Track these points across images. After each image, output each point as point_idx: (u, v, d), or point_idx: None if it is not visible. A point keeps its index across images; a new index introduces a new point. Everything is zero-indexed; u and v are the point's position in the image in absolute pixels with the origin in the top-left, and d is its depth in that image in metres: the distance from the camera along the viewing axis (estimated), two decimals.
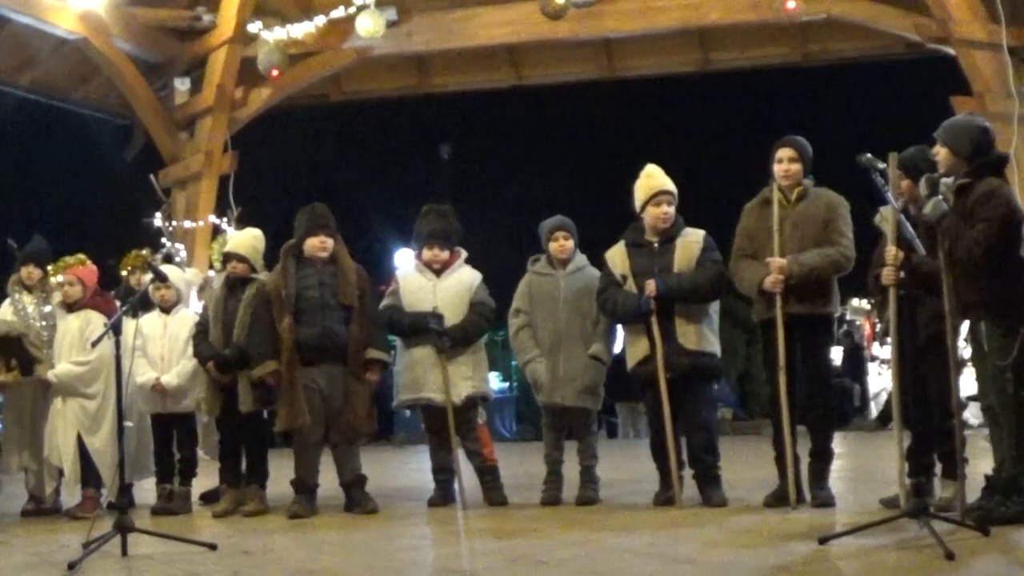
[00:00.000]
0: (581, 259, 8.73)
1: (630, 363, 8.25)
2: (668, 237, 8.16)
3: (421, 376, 8.59)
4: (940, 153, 6.70)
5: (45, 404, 8.88)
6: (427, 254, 8.77)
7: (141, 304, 8.60)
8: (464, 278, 8.77)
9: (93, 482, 8.75)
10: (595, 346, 8.48)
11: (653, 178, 8.21)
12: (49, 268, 9.11)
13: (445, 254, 8.78)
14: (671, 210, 8.15)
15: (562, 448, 8.69)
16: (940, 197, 6.47)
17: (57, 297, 9.01)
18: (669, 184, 8.19)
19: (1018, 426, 6.50)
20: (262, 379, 8.34)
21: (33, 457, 8.93)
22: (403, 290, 8.78)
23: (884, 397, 18.16)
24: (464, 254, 8.90)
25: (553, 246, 8.67)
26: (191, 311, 9.50)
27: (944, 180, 6.55)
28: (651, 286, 7.93)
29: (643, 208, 8.18)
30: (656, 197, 8.12)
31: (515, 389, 21.92)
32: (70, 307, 8.90)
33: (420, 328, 8.57)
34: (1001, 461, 6.58)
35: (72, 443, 8.68)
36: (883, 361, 18.24)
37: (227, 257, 8.86)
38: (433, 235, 8.78)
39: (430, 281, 8.72)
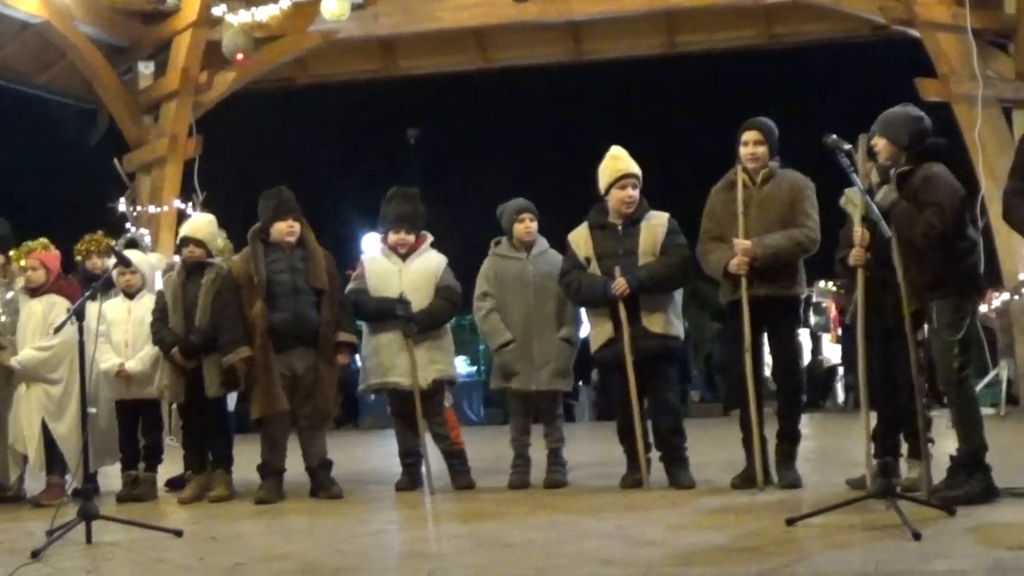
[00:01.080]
0: (543, 242, 8.72)
1: (594, 346, 8.25)
2: (633, 220, 8.15)
3: (387, 360, 8.56)
4: (879, 144, 6.85)
5: (8, 390, 8.80)
6: (393, 238, 8.74)
7: (104, 288, 8.52)
8: (430, 262, 8.74)
9: (58, 469, 8.68)
10: (565, 328, 8.48)
11: (618, 160, 8.20)
12: (12, 253, 9.01)
13: (411, 238, 8.75)
14: (635, 193, 8.13)
15: (530, 432, 8.69)
16: (891, 185, 6.60)
17: (20, 282, 8.93)
18: (634, 167, 8.18)
19: (961, 402, 6.60)
20: (232, 366, 8.30)
21: None
22: (369, 273, 8.75)
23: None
24: (430, 238, 8.86)
25: (519, 228, 8.64)
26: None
27: (892, 171, 6.66)
28: (622, 284, 7.91)
29: (607, 191, 8.17)
30: (621, 180, 8.11)
31: (482, 373, 21.91)
32: (33, 292, 8.82)
33: (386, 314, 8.54)
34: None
35: (36, 429, 8.61)
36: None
37: (183, 242, 8.77)
38: (399, 218, 8.74)
39: (396, 265, 8.68)
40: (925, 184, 6.60)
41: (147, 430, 8.96)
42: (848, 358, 19.44)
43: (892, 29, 15.87)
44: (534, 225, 8.68)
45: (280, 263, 8.39)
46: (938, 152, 6.89)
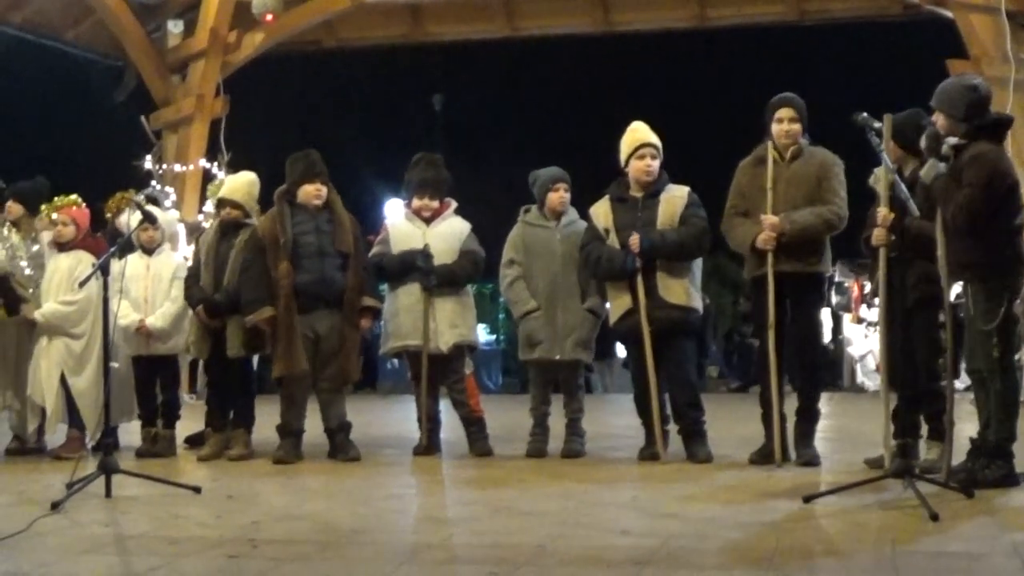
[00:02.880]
0: (573, 212, 8.69)
1: (612, 318, 8.25)
2: (652, 192, 8.13)
3: (408, 323, 8.57)
4: (938, 120, 6.65)
5: (30, 344, 8.83)
6: (417, 203, 8.74)
7: (129, 246, 8.54)
8: (454, 227, 8.74)
9: (77, 423, 8.72)
10: (591, 299, 8.45)
11: (637, 131, 8.21)
12: (43, 207, 9.04)
13: (435, 203, 8.75)
14: (655, 164, 8.11)
15: (550, 402, 8.70)
16: (938, 158, 6.48)
17: (46, 237, 8.96)
18: (653, 138, 8.16)
19: (1003, 390, 6.52)
20: (256, 325, 8.32)
21: (16, 396, 8.89)
22: (393, 238, 8.75)
23: (870, 360, 18.18)
24: (454, 204, 8.86)
25: (553, 197, 8.61)
26: (179, 254, 9.44)
27: (948, 140, 6.53)
28: (634, 240, 7.90)
29: (627, 162, 8.16)
30: (640, 150, 8.11)
31: (502, 342, 21.94)
32: (61, 247, 8.85)
33: (409, 266, 8.55)
34: (985, 424, 6.59)
35: (55, 382, 8.63)
36: (870, 323, 18.24)
37: (221, 203, 8.80)
38: (424, 183, 8.74)
39: (419, 229, 8.68)
40: (971, 163, 6.43)
41: (164, 387, 9.01)
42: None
43: (924, 9, 15.76)
44: (568, 195, 8.65)
45: (306, 224, 8.39)
46: (997, 128, 6.73)
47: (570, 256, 8.48)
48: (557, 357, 8.50)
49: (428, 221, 8.72)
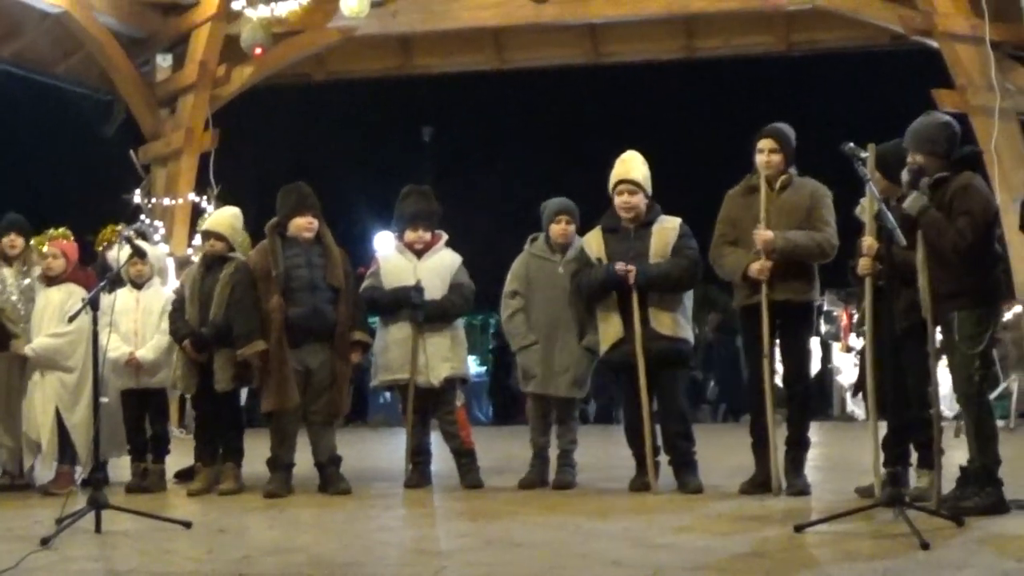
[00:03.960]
0: (579, 244, 8.61)
1: (602, 348, 8.23)
2: (644, 223, 8.15)
3: (399, 357, 8.58)
4: (921, 161, 6.69)
5: (20, 380, 8.82)
6: (410, 235, 8.74)
7: (119, 280, 8.54)
8: (445, 260, 8.76)
9: (68, 458, 8.70)
10: (589, 336, 8.40)
11: (621, 165, 8.21)
12: (33, 240, 9.05)
13: (428, 235, 8.76)
14: (633, 200, 8.10)
15: (549, 433, 8.69)
16: (919, 192, 6.55)
17: (38, 270, 8.95)
18: (634, 173, 8.14)
19: (979, 416, 6.59)
20: (247, 359, 8.31)
21: (7, 432, 8.86)
22: (384, 271, 8.76)
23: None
24: (445, 236, 8.88)
25: (555, 229, 8.61)
26: (168, 288, 9.44)
27: (924, 180, 6.60)
28: (630, 267, 7.90)
29: (612, 194, 8.20)
30: (619, 186, 8.14)
31: (489, 374, 21.90)
32: (51, 280, 8.84)
33: (402, 302, 8.56)
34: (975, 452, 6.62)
35: (51, 417, 8.63)
36: (859, 352, 18.24)
37: (205, 235, 8.81)
38: (416, 216, 8.76)
39: (411, 262, 8.69)
40: (962, 193, 6.52)
41: (154, 420, 8.98)
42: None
43: (910, 39, 15.84)
44: (571, 228, 8.62)
45: (298, 258, 8.40)
46: (974, 160, 6.86)
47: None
48: (551, 392, 8.50)
49: (419, 254, 8.73)
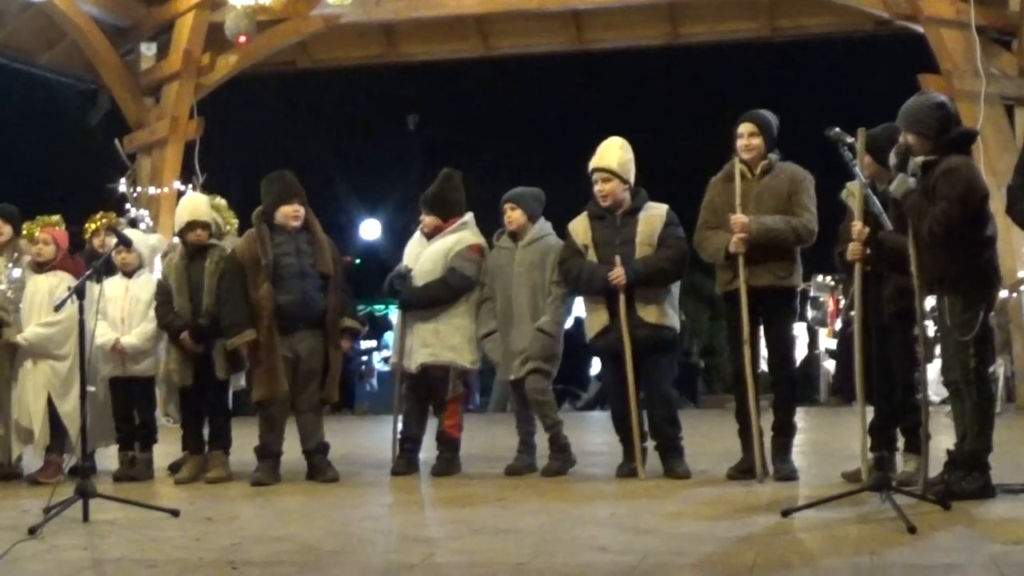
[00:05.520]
0: (540, 229, 8.66)
1: (588, 334, 8.26)
2: (631, 210, 8.15)
3: (395, 341, 8.68)
4: (908, 139, 6.68)
5: (11, 369, 8.79)
6: (423, 219, 8.87)
7: (106, 268, 8.51)
8: (446, 244, 8.69)
9: (57, 447, 8.69)
10: (543, 318, 8.45)
11: (598, 152, 8.20)
12: (26, 225, 9.02)
13: (435, 219, 8.77)
14: (606, 187, 8.09)
15: (530, 419, 8.69)
16: (907, 173, 6.53)
17: (27, 260, 8.92)
18: (607, 160, 8.12)
19: (980, 401, 6.56)
20: (236, 348, 8.30)
21: None
22: (404, 255, 8.89)
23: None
24: (461, 219, 8.81)
25: (505, 218, 8.69)
26: (154, 276, 9.41)
27: (916, 159, 6.58)
28: (619, 273, 7.91)
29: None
30: (593, 174, 8.16)
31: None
32: (40, 267, 8.81)
33: (390, 287, 8.69)
34: (962, 436, 6.63)
35: (43, 405, 8.61)
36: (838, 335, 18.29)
37: (190, 226, 8.71)
38: (426, 200, 8.85)
39: (422, 246, 8.80)
40: (945, 177, 6.48)
41: (141, 409, 8.95)
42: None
43: (895, 24, 15.84)
44: (515, 214, 8.66)
45: (286, 246, 8.40)
46: (965, 141, 6.81)
47: (526, 276, 8.51)
48: (511, 377, 8.56)
49: (429, 237, 8.77)
